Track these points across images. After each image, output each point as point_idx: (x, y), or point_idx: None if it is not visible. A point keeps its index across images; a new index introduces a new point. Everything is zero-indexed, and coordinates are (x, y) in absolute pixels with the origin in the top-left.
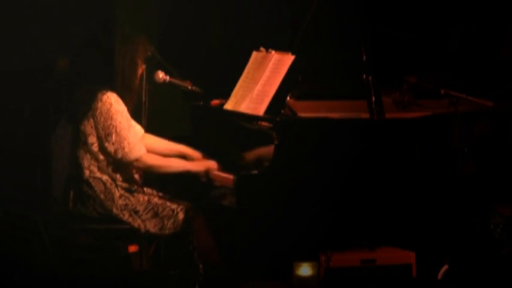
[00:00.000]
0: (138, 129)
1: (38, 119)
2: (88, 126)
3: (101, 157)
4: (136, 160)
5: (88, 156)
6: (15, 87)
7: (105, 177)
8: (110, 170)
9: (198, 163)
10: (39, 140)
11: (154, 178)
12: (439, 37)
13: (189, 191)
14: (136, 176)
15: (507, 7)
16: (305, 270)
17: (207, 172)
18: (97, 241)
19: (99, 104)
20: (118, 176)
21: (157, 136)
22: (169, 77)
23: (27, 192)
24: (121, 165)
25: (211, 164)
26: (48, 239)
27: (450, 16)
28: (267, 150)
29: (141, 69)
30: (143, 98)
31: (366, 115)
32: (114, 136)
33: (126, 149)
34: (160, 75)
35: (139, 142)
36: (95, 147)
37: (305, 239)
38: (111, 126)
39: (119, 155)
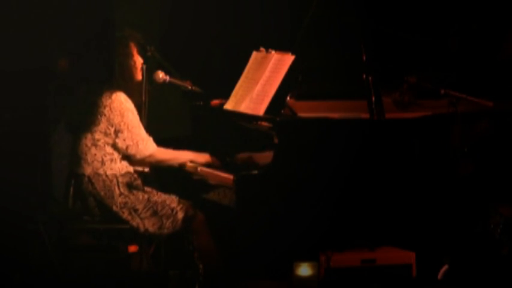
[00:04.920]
0: None
1: (38, 119)
2: (94, 123)
3: (109, 151)
4: (150, 156)
5: (92, 151)
6: (15, 87)
7: (106, 174)
8: (121, 163)
9: (201, 155)
10: (39, 140)
11: (153, 179)
12: (439, 37)
13: (188, 190)
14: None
15: (507, 7)
16: (305, 270)
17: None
18: (97, 241)
19: (109, 101)
20: (131, 169)
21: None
22: (169, 77)
23: (27, 192)
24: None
25: (208, 157)
26: (48, 238)
27: (450, 16)
28: (266, 156)
29: (141, 69)
30: (143, 98)
31: (366, 115)
32: (126, 133)
33: (141, 146)
34: (160, 75)
35: (150, 138)
36: (102, 143)
37: (305, 239)
38: (122, 123)
39: (132, 151)
